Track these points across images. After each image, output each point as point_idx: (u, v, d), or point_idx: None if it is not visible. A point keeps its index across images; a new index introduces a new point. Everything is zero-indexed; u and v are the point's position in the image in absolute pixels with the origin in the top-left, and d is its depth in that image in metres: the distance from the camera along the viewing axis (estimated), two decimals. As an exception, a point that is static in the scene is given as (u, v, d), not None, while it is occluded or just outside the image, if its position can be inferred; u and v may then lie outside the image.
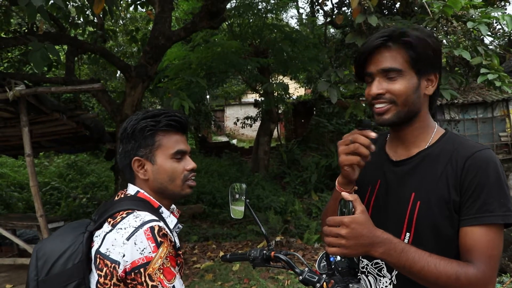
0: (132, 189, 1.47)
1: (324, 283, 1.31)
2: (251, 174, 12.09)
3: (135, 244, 1.25)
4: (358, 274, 1.43)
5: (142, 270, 1.24)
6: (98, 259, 1.30)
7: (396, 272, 1.29)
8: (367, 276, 1.40)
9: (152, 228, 1.28)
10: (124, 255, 1.25)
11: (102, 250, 1.29)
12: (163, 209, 1.47)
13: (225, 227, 8.73)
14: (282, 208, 9.46)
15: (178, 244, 1.44)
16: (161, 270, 1.26)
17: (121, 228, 1.28)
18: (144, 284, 1.24)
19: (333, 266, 1.35)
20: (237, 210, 1.79)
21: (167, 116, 1.43)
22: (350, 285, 1.28)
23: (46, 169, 12.80)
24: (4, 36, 7.02)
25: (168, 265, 1.28)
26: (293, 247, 7.00)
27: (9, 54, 8.95)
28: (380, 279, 1.35)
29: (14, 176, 11.89)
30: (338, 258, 1.36)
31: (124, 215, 1.32)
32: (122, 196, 1.45)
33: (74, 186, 11.45)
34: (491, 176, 1.18)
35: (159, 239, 1.27)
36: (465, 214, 1.19)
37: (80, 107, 6.55)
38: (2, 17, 6.06)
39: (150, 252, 1.25)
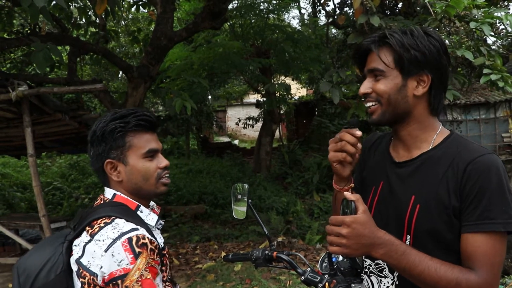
0: (108, 193, 1.45)
1: (326, 283, 1.30)
2: (253, 175, 12.08)
3: (112, 255, 1.23)
4: (361, 274, 1.43)
5: (119, 282, 1.22)
6: (80, 268, 1.29)
7: (398, 272, 1.29)
8: (369, 276, 1.40)
9: (130, 239, 1.26)
10: (101, 267, 1.24)
11: (84, 261, 1.28)
12: (142, 208, 1.45)
13: (227, 227, 8.73)
14: (284, 208, 9.46)
15: (161, 242, 1.44)
16: (139, 283, 1.23)
17: (99, 240, 1.27)
18: None
19: (335, 266, 1.35)
20: (240, 210, 1.79)
21: (136, 116, 1.42)
22: (352, 285, 1.28)
23: (48, 169, 12.84)
24: (7, 37, 7.04)
25: (148, 277, 1.25)
26: (295, 247, 7.00)
27: (12, 54, 8.98)
28: (382, 280, 1.35)
29: (17, 176, 11.92)
30: (340, 258, 1.36)
31: (102, 225, 1.30)
32: (101, 202, 1.44)
33: (76, 186, 11.47)
34: (493, 182, 1.16)
35: (137, 249, 1.25)
36: (465, 220, 1.18)
37: (82, 107, 6.57)
38: (5, 18, 6.08)
39: (127, 264, 1.23)
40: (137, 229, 1.30)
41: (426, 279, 1.14)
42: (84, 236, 1.31)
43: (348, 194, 1.17)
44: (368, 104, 1.32)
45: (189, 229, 8.32)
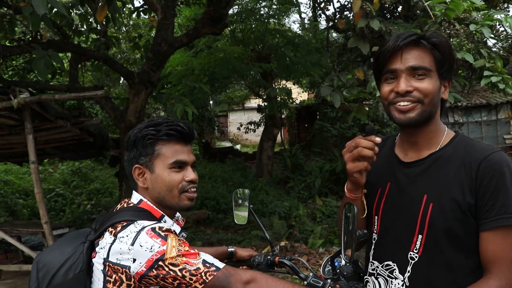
0: (135, 198, 1.47)
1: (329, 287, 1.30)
2: (255, 179, 12.07)
3: (141, 246, 1.25)
4: (366, 277, 1.42)
5: (161, 263, 1.24)
6: (107, 267, 1.30)
7: (409, 273, 1.29)
8: (377, 278, 1.40)
9: (153, 228, 1.28)
10: (134, 260, 1.25)
11: (112, 259, 1.29)
12: (166, 218, 1.46)
13: (230, 232, 8.71)
14: (286, 213, 9.43)
15: None
16: (181, 255, 1.25)
17: (123, 237, 1.28)
18: (172, 272, 1.24)
19: (338, 271, 1.35)
20: (241, 215, 1.79)
21: (167, 126, 1.42)
22: (355, 290, 1.28)
23: (50, 176, 12.84)
24: (8, 44, 7.07)
25: (185, 249, 1.27)
26: (298, 252, 6.98)
27: (13, 62, 9.01)
28: (392, 281, 1.34)
29: (19, 183, 11.92)
30: (343, 262, 1.36)
31: (124, 224, 1.32)
32: (125, 205, 1.45)
33: (78, 192, 11.47)
34: (507, 179, 1.19)
35: (163, 233, 1.28)
36: (484, 218, 1.19)
37: (84, 114, 6.58)
38: (7, 25, 6.10)
39: (159, 247, 1.25)
40: (159, 222, 1.34)
41: None
42: (108, 237, 1.32)
43: None
44: (404, 103, 1.28)
45: (191, 234, 8.30)
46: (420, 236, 1.27)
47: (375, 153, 1.24)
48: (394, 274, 1.34)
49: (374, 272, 1.40)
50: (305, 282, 1.35)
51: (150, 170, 1.43)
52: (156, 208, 1.44)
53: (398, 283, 1.32)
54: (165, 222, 1.44)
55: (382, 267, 1.38)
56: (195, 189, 1.47)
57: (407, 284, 1.30)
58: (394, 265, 1.34)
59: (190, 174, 1.45)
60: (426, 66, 1.25)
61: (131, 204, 1.45)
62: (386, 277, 1.36)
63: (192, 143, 1.53)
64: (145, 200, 1.45)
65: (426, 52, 1.27)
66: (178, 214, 1.57)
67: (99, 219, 1.45)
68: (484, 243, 1.20)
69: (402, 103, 1.28)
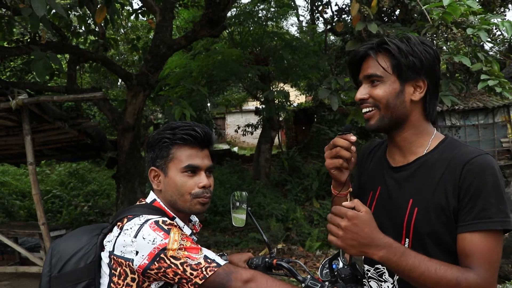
0: (150, 197, 1.50)
1: (327, 290, 1.30)
2: (252, 182, 12.06)
3: (143, 238, 1.26)
4: (364, 281, 1.43)
5: (162, 255, 1.25)
6: (112, 260, 1.33)
7: (398, 276, 1.30)
8: (369, 281, 1.41)
9: (156, 221, 1.30)
10: (137, 252, 1.26)
11: (117, 252, 1.31)
12: (177, 220, 1.47)
13: (227, 234, 8.71)
14: (283, 215, 9.44)
15: None
16: (183, 249, 1.26)
17: (127, 229, 1.31)
18: (173, 265, 1.24)
19: (335, 273, 1.35)
20: (239, 218, 1.79)
21: (183, 129, 1.44)
22: (353, 292, 1.28)
23: (47, 177, 12.81)
24: (7, 45, 7.06)
25: (188, 244, 1.28)
26: (295, 254, 6.98)
27: (11, 63, 9.01)
28: (381, 284, 1.36)
29: (16, 184, 11.90)
30: (341, 265, 1.36)
31: (130, 217, 1.35)
32: (139, 203, 1.50)
33: (75, 194, 11.44)
34: (489, 182, 1.17)
35: (166, 227, 1.29)
36: (462, 220, 1.19)
37: (82, 115, 6.57)
38: (5, 27, 6.10)
39: (162, 240, 1.26)
40: (163, 217, 1.35)
41: (426, 280, 1.14)
42: (115, 231, 1.36)
43: (346, 203, 1.17)
44: (365, 110, 1.33)
45: (188, 237, 8.28)
46: (407, 240, 1.28)
47: (353, 153, 1.28)
48: (383, 277, 1.35)
49: (365, 275, 1.42)
50: (303, 285, 1.36)
51: (164, 173, 1.46)
52: (168, 210, 1.46)
53: (388, 286, 1.34)
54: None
55: (373, 270, 1.39)
56: (208, 195, 1.48)
57: (397, 286, 1.31)
58: (383, 269, 1.35)
59: (203, 179, 1.45)
60: (377, 73, 1.29)
61: (144, 203, 1.49)
62: (377, 280, 1.38)
63: (212, 148, 1.55)
64: (158, 200, 1.47)
65: (383, 58, 1.30)
66: (196, 219, 1.60)
67: (116, 215, 1.48)
68: (461, 243, 1.19)
69: (364, 110, 1.34)
